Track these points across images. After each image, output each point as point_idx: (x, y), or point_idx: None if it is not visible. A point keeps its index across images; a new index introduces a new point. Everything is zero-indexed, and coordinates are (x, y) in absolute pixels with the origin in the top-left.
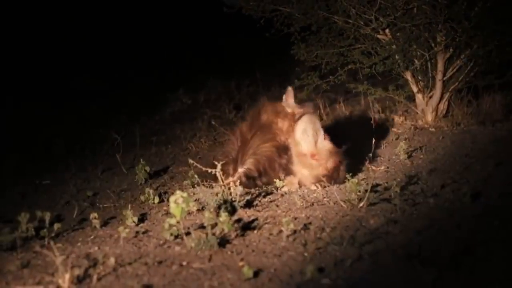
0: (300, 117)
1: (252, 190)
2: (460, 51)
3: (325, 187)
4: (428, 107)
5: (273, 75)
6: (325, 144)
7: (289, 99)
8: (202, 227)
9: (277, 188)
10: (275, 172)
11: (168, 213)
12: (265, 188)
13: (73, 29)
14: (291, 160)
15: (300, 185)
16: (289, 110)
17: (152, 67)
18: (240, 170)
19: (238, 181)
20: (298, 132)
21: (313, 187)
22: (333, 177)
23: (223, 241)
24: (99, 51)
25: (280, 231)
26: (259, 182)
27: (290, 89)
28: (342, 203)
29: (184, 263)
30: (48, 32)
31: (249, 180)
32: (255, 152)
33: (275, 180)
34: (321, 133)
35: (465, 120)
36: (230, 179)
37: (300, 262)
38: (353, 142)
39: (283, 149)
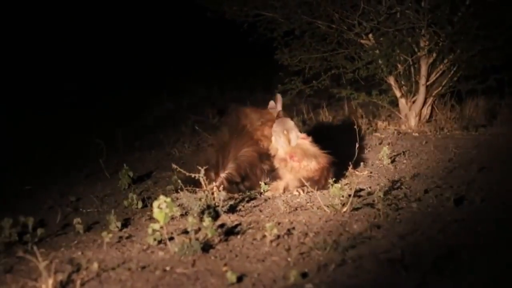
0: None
1: (236, 195)
2: (443, 56)
3: (308, 192)
4: (411, 112)
5: (256, 80)
6: (302, 143)
7: (278, 105)
8: (185, 232)
9: (261, 193)
10: (257, 177)
11: (151, 218)
12: (249, 193)
13: (57, 36)
14: (275, 165)
15: (285, 190)
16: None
17: (135, 72)
18: (222, 175)
19: (222, 186)
20: (272, 139)
21: (295, 192)
22: (319, 182)
23: (207, 246)
24: (82, 57)
25: (264, 236)
26: (242, 186)
27: (279, 96)
28: (325, 208)
29: (168, 268)
30: (32, 40)
31: (231, 185)
32: (236, 157)
33: (260, 183)
34: (294, 131)
35: (448, 125)
36: (213, 184)
37: (284, 267)
38: (336, 147)
39: (266, 155)
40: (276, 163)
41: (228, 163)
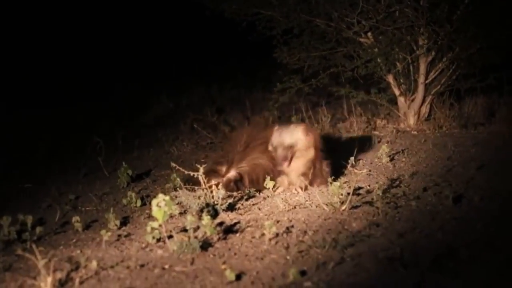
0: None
1: (235, 193)
2: (442, 54)
3: (307, 188)
4: (410, 110)
5: (255, 79)
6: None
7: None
8: (184, 230)
9: (269, 189)
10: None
11: (150, 217)
12: (248, 192)
13: (57, 34)
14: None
15: (290, 183)
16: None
17: (135, 71)
18: (233, 172)
19: (224, 183)
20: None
21: (293, 191)
22: (314, 173)
23: (206, 245)
24: (81, 56)
25: (263, 234)
26: (244, 188)
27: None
28: (324, 206)
29: (166, 267)
30: (32, 37)
31: (235, 184)
32: (254, 163)
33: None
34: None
35: (447, 123)
36: (215, 180)
37: (283, 265)
38: (335, 145)
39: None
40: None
41: (244, 163)
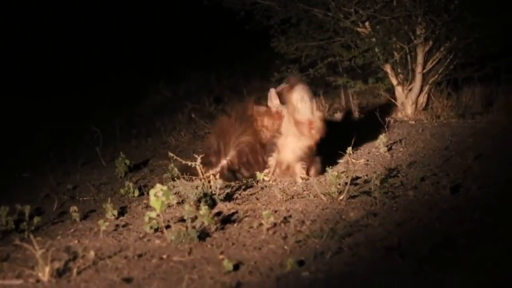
0: (293, 86)
1: (232, 183)
2: (439, 43)
3: (308, 179)
4: (407, 99)
5: (253, 68)
6: (318, 113)
7: (273, 101)
8: (182, 220)
9: (258, 181)
10: (259, 164)
11: (148, 206)
12: (245, 181)
13: (53, 21)
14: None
15: (283, 166)
16: (274, 109)
17: (132, 60)
18: (223, 161)
19: (219, 174)
20: (295, 100)
21: (299, 180)
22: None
23: (203, 234)
24: (79, 44)
25: (260, 224)
26: (240, 175)
27: (272, 91)
28: (322, 196)
29: (164, 256)
30: (27, 24)
31: (231, 173)
32: (238, 144)
33: (256, 172)
34: (314, 101)
35: (444, 113)
36: (211, 171)
37: (280, 255)
38: (333, 135)
39: (269, 145)
40: (287, 127)
41: (230, 149)
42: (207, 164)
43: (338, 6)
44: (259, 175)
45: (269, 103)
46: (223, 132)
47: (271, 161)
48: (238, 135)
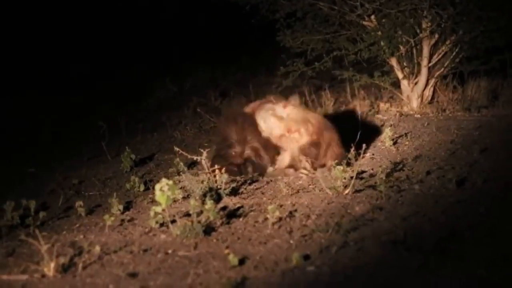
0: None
1: (238, 178)
2: (445, 37)
3: (314, 173)
4: (413, 93)
5: (258, 62)
6: (290, 112)
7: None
8: (187, 215)
9: (263, 176)
10: (270, 157)
11: (153, 201)
12: (251, 176)
13: (61, 18)
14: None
15: (292, 164)
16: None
17: (138, 55)
18: (247, 151)
19: (247, 161)
20: (259, 123)
21: (304, 171)
22: (320, 146)
23: (209, 229)
24: (85, 40)
25: (266, 219)
26: (251, 169)
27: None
28: (327, 190)
29: (170, 251)
30: (35, 21)
31: (240, 168)
32: (252, 140)
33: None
34: (274, 110)
35: (450, 106)
36: (235, 160)
37: (286, 249)
38: (338, 129)
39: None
40: (276, 142)
41: (249, 140)
42: (223, 156)
43: None
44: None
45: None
46: (237, 124)
47: (281, 158)
48: (252, 133)
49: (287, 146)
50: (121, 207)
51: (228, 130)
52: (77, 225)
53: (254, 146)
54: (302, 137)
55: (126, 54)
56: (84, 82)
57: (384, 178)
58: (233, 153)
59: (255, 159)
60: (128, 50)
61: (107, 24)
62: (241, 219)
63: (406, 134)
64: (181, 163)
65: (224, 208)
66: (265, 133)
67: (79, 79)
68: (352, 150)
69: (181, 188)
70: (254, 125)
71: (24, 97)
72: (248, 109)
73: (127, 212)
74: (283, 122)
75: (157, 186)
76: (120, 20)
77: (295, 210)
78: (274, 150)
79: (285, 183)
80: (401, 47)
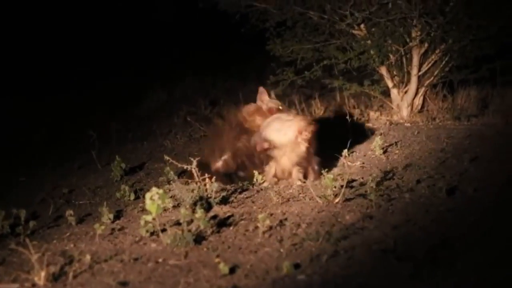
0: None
1: (228, 187)
2: (435, 46)
3: (304, 182)
4: (403, 102)
5: (248, 71)
6: (292, 115)
7: (263, 98)
8: (178, 223)
9: (253, 184)
10: (255, 166)
11: (144, 210)
12: (241, 185)
13: (48, 22)
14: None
15: (284, 173)
16: (264, 107)
17: (128, 63)
18: (218, 163)
19: (217, 174)
20: (272, 137)
21: (298, 182)
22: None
23: (199, 238)
24: (76, 48)
25: (256, 227)
26: (236, 176)
27: (261, 89)
28: (317, 199)
29: (160, 260)
30: (22, 26)
31: (226, 174)
32: (232, 146)
33: (254, 174)
34: (280, 118)
35: (440, 115)
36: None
37: (276, 258)
38: (328, 137)
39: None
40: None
41: (224, 151)
42: (203, 166)
43: (333, 8)
44: (257, 176)
45: (258, 102)
46: (218, 134)
47: (269, 169)
48: (233, 138)
49: (285, 155)
50: (111, 216)
51: (218, 139)
52: (68, 234)
53: (226, 157)
54: (305, 140)
55: (117, 62)
56: (73, 91)
57: (374, 186)
58: (222, 162)
59: (243, 170)
60: (118, 58)
61: (97, 32)
62: (231, 227)
63: (396, 143)
64: (171, 172)
65: (214, 217)
66: (276, 143)
67: (69, 88)
68: (343, 158)
69: (171, 197)
70: (243, 135)
71: (12, 105)
72: (246, 111)
73: (117, 221)
74: (293, 123)
75: (148, 195)
76: (110, 29)
77: (286, 219)
78: (261, 161)
79: (275, 192)
80: (391, 56)
